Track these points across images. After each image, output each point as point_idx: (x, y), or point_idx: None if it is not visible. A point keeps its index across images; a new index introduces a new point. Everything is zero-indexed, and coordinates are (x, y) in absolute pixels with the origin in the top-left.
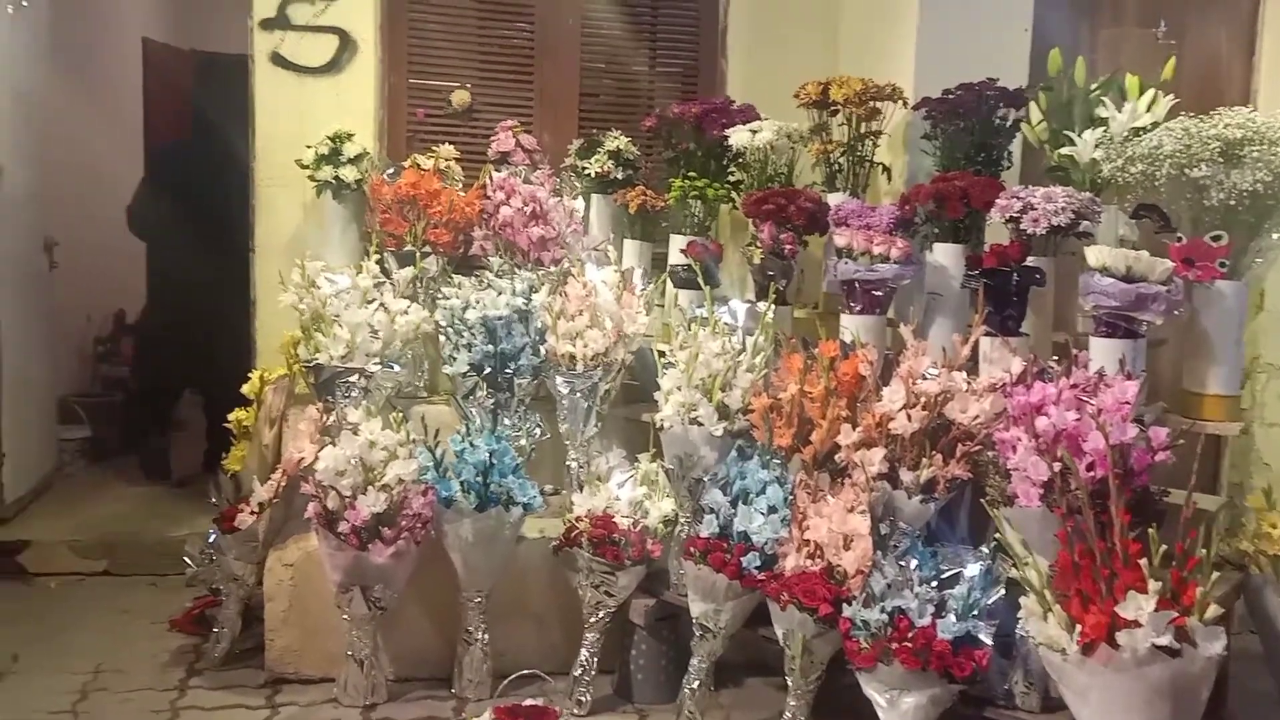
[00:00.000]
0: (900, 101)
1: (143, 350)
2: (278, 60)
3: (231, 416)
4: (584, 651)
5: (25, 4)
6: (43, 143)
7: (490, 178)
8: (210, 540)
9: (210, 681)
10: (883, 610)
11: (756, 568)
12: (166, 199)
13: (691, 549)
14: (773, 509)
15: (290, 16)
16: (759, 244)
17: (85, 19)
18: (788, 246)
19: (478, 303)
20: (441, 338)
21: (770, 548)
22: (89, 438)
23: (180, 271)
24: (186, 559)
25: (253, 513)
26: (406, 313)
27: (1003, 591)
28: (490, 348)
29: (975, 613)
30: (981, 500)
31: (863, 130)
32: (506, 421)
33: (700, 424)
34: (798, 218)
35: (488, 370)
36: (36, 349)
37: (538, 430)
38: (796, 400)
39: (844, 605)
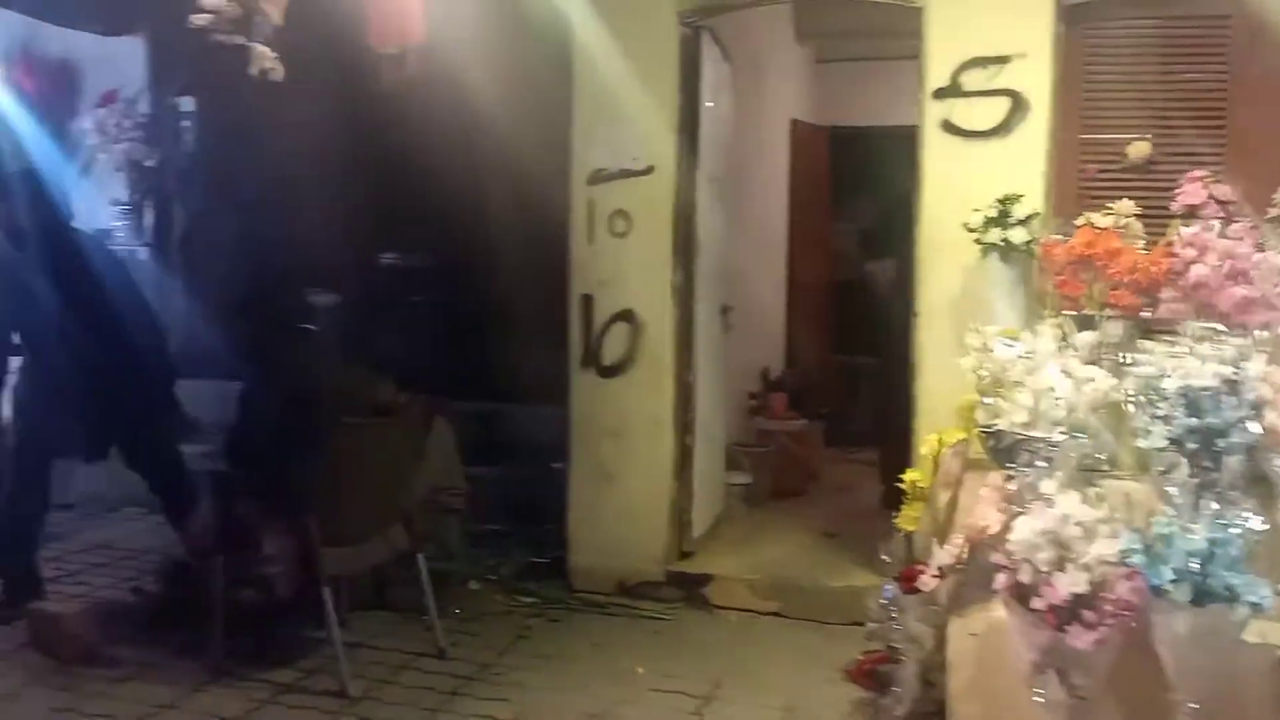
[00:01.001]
0: None
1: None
2: (947, 127)
3: (905, 476)
4: None
5: (709, 104)
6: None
7: (1179, 234)
8: (888, 597)
9: None
10: None
11: None
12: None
13: None
14: None
15: (962, 84)
16: None
17: (754, 108)
18: None
19: (1174, 371)
20: (1132, 408)
21: None
22: (748, 484)
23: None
24: (869, 614)
25: (934, 576)
26: (1093, 380)
27: None
28: (1193, 421)
29: None
30: None
31: None
32: (1214, 506)
33: None
34: None
35: (1192, 447)
36: (715, 403)
37: (1256, 519)
38: None
39: None
